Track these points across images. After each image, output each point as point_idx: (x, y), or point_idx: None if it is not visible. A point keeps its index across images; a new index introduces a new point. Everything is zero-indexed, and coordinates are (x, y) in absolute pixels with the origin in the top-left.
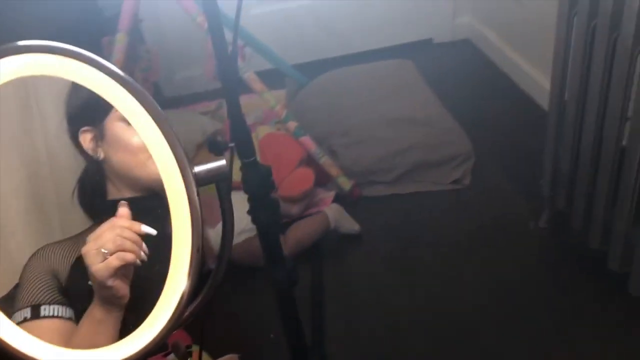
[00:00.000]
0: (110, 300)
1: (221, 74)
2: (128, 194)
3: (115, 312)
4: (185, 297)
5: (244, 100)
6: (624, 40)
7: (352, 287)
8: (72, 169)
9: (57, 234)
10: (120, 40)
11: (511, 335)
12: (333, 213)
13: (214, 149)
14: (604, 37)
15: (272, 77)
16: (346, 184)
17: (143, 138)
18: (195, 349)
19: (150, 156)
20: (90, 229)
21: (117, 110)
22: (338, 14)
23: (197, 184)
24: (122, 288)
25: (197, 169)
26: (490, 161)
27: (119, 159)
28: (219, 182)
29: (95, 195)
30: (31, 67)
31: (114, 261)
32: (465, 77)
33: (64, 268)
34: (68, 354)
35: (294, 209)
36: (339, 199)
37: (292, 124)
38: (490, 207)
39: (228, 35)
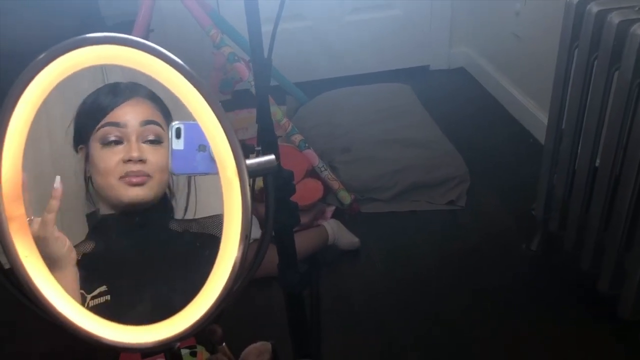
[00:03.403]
0: (64, 255)
1: (256, 78)
2: (106, 211)
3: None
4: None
5: (252, 113)
6: (624, 74)
7: (347, 300)
8: (75, 174)
9: None
10: None
11: (501, 353)
12: (332, 228)
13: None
14: (604, 70)
15: (273, 94)
16: (346, 198)
17: (205, 130)
18: (200, 349)
19: (118, 179)
20: (83, 243)
21: (98, 130)
22: (339, 36)
23: (249, 175)
24: (64, 237)
25: (249, 161)
26: (485, 184)
27: (94, 178)
28: (267, 175)
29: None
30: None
31: (45, 216)
32: (460, 104)
33: None
34: (124, 330)
35: (304, 219)
36: (338, 213)
37: (297, 137)
38: (483, 229)
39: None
